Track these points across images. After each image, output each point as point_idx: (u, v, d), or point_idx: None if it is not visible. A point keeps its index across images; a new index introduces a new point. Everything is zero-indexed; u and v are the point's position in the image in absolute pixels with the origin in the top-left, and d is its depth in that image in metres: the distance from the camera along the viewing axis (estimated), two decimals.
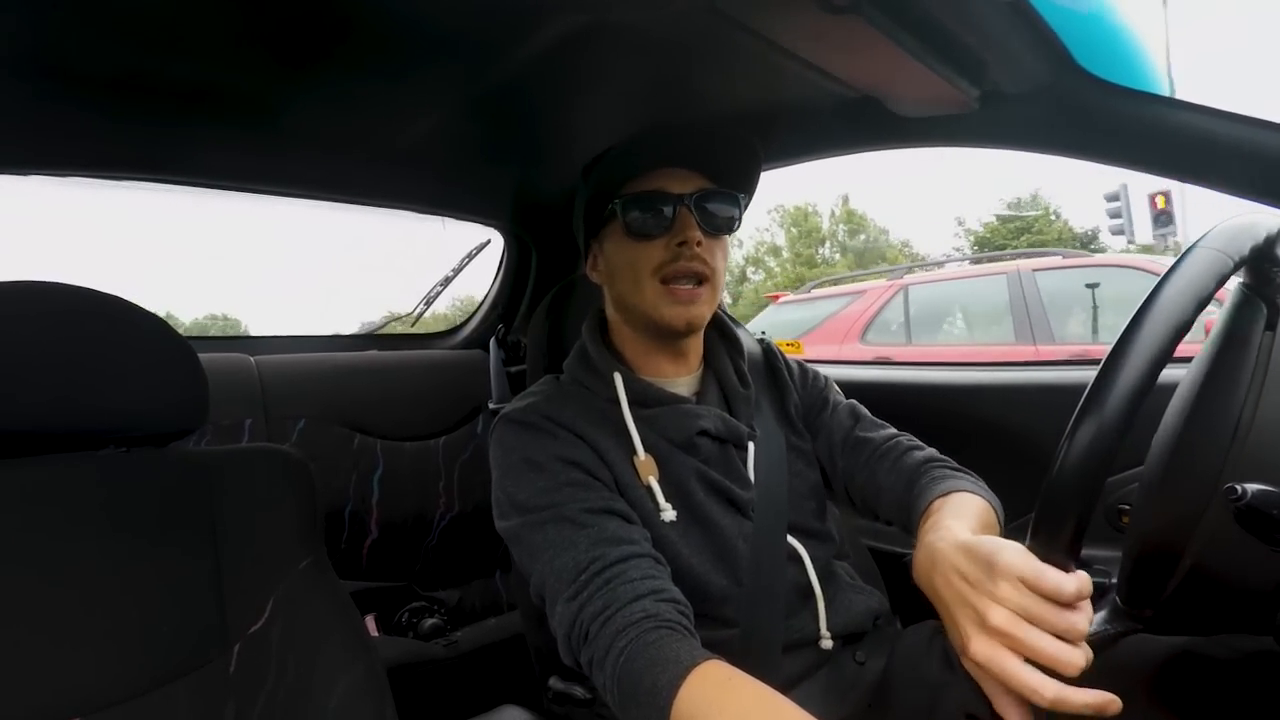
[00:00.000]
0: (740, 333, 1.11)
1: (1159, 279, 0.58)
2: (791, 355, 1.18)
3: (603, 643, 0.74)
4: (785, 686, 0.93)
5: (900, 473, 0.98)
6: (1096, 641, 0.65)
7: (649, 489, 0.92)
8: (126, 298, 0.84)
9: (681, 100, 1.22)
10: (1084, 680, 0.85)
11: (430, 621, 1.71)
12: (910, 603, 1.24)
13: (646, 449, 0.94)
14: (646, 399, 0.97)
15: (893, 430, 1.07)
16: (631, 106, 1.25)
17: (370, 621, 1.69)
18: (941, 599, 0.69)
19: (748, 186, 0.99)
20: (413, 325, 2.14)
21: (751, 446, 1.01)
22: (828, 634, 0.96)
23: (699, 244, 0.92)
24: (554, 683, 1.04)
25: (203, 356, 0.90)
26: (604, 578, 0.78)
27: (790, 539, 0.98)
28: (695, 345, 1.05)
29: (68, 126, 1.20)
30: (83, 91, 1.11)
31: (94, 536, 0.78)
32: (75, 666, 0.73)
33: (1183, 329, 0.54)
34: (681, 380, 1.03)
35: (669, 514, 0.91)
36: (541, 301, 1.22)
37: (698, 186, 0.94)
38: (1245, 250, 0.61)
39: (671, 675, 0.68)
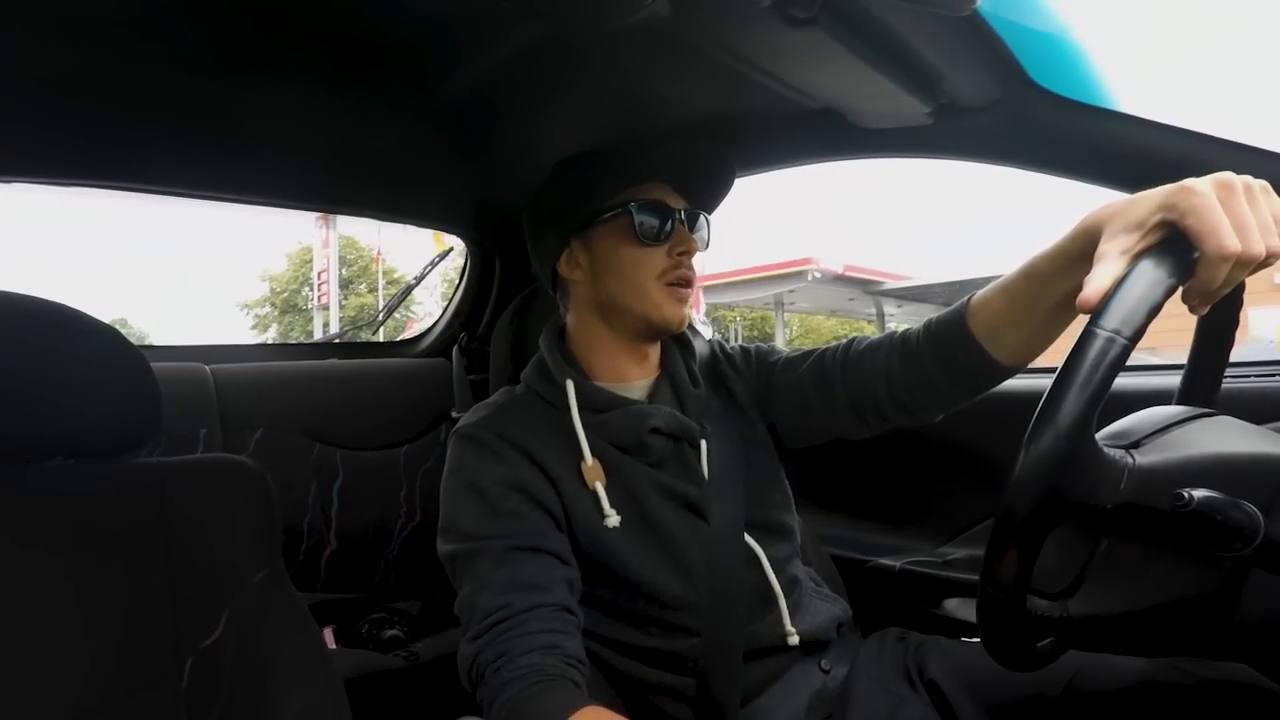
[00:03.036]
0: (692, 336, 1.12)
1: (1123, 277, 0.59)
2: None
3: (491, 691, 0.78)
4: (749, 694, 0.93)
5: (884, 337, 0.98)
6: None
7: (594, 494, 0.93)
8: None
9: (645, 110, 1.22)
10: (1042, 703, 0.86)
11: (390, 633, 1.69)
12: (872, 611, 1.26)
13: (595, 455, 0.95)
14: (598, 404, 0.98)
15: None
16: (594, 116, 1.25)
17: (329, 634, 1.66)
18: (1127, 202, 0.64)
19: (714, 209, 1.08)
20: (374, 334, 2.12)
21: (704, 444, 1.01)
22: (793, 630, 0.96)
23: (692, 255, 1.00)
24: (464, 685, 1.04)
25: (156, 366, 0.88)
26: (504, 626, 0.81)
27: (748, 539, 0.98)
28: (657, 348, 1.06)
29: (23, 133, 1.17)
30: (38, 98, 1.09)
31: (40, 550, 0.76)
32: (19, 685, 0.71)
33: (1134, 339, 0.55)
34: (637, 384, 1.03)
35: (613, 519, 0.92)
36: (504, 309, 1.22)
37: (682, 205, 1.01)
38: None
39: None
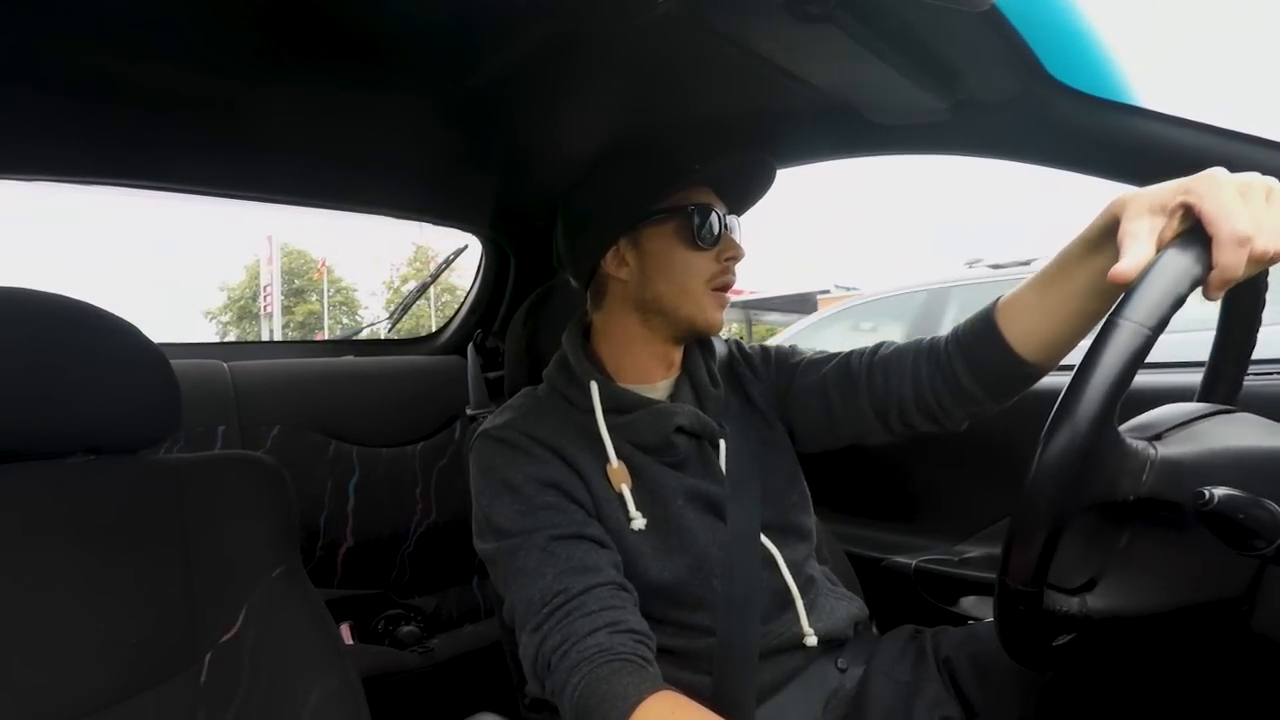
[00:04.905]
0: (712, 337, 1.12)
1: (1136, 280, 0.58)
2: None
3: (560, 676, 0.77)
4: (766, 693, 0.93)
5: (911, 343, 0.99)
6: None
7: (620, 497, 0.93)
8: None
9: (661, 107, 1.22)
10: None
11: (406, 629, 1.70)
12: (887, 609, 1.25)
13: (620, 457, 0.94)
14: (622, 405, 0.97)
15: None
16: (609, 114, 1.24)
17: (345, 630, 1.67)
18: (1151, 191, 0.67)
19: (743, 214, 1.09)
20: (389, 331, 2.13)
21: (723, 444, 1.01)
22: (811, 631, 0.96)
23: (738, 261, 1.01)
24: (531, 690, 1.04)
25: (175, 363, 0.89)
26: (564, 610, 0.80)
27: (765, 540, 0.98)
28: (681, 348, 1.06)
29: (38, 131, 1.18)
30: (55, 96, 1.09)
31: (61, 545, 0.77)
32: (40, 678, 0.72)
33: (1156, 330, 0.55)
34: (660, 384, 1.03)
35: (639, 522, 0.92)
36: (519, 307, 1.22)
37: (723, 209, 1.01)
38: None
39: (620, 712, 0.71)
